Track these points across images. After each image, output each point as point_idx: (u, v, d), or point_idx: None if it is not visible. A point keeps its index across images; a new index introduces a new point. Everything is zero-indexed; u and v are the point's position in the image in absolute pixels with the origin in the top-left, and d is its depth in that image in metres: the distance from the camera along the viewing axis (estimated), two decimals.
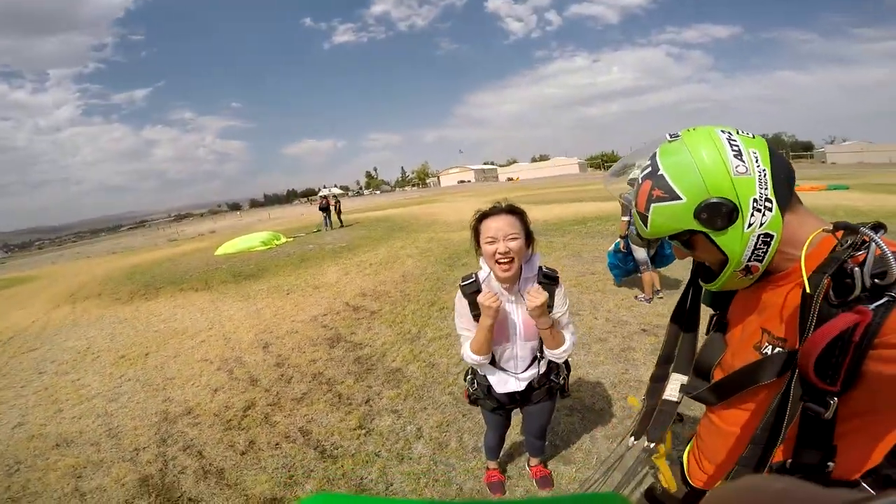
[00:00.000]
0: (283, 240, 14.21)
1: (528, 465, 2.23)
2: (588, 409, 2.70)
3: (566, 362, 1.77)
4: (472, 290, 1.55)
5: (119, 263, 15.03)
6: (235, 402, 3.38)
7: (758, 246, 0.72)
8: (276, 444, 2.74)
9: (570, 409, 2.70)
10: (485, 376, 1.74)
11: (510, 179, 72.22)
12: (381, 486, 2.27)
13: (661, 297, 4.41)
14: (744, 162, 0.70)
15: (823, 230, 0.70)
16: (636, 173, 0.83)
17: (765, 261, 0.73)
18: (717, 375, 0.88)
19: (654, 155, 0.78)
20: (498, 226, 1.43)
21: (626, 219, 4.35)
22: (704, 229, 0.72)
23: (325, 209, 16.98)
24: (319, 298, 6.23)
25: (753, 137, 0.73)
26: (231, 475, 2.49)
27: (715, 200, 0.70)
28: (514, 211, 1.49)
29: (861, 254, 0.62)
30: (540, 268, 1.57)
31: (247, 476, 2.47)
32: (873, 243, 0.60)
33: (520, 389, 1.69)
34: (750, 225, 0.70)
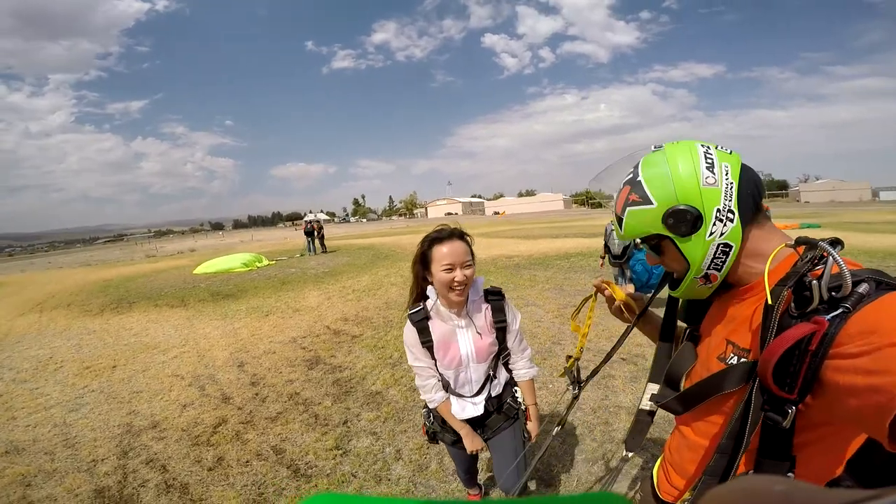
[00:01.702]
0: (265, 262, 14.01)
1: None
2: (568, 434, 2.68)
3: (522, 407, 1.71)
4: (420, 318, 1.53)
5: (92, 276, 14.53)
6: (206, 418, 3.24)
7: (717, 255, 0.76)
8: (247, 462, 2.62)
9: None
10: None
11: (496, 213, 73.39)
12: None
13: None
14: (714, 174, 0.74)
15: (787, 245, 0.73)
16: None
17: (723, 270, 0.77)
18: (686, 386, 0.90)
19: (637, 164, 0.84)
20: (454, 252, 1.42)
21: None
22: (670, 234, 0.77)
23: (310, 234, 16.90)
24: (300, 321, 6.11)
25: (730, 153, 0.79)
26: (196, 490, 2.37)
27: (682, 208, 0.74)
28: (463, 236, 1.49)
29: (820, 268, 0.65)
30: (485, 289, 1.59)
31: (213, 492, 2.35)
32: (831, 258, 0.63)
33: (478, 414, 1.62)
34: (711, 234, 0.74)
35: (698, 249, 0.76)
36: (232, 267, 12.87)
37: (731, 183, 0.75)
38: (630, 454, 1.07)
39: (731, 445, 0.73)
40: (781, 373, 0.62)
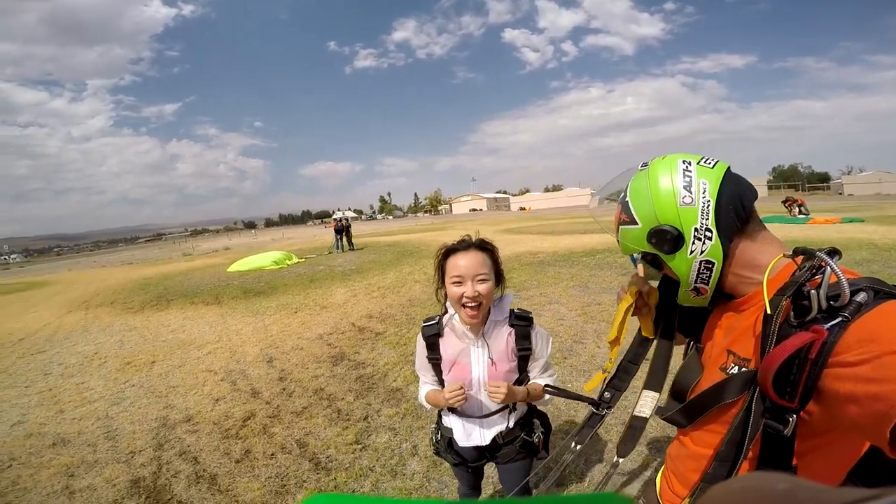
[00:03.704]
0: (295, 260, 14.39)
1: None
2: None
3: (545, 420, 1.60)
4: (431, 333, 1.44)
5: (134, 274, 15.32)
6: (235, 412, 3.40)
7: (701, 271, 0.78)
8: (272, 455, 2.74)
9: (565, 433, 2.67)
10: (450, 428, 1.54)
11: (522, 209, 72.58)
12: None
13: None
14: (691, 193, 0.76)
15: (784, 255, 0.75)
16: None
17: (710, 284, 0.79)
18: (691, 398, 0.89)
19: (627, 184, 0.86)
20: (467, 264, 1.30)
21: None
22: (656, 252, 0.80)
23: (339, 231, 17.24)
24: (326, 318, 6.28)
25: (713, 167, 0.79)
26: (224, 481, 2.50)
27: (662, 228, 0.77)
28: (484, 247, 1.36)
29: (818, 278, 0.66)
30: (512, 311, 1.44)
31: (239, 483, 2.47)
32: (829, 267, 0.64)
33: (485, 444, 1.48)
34: (692, 252, 0.77)
35: (683, 266, 0.79)
36: (263, 265, 13.28)
37: (709, 202, 0.76)
38: (621, 460, 1.08)
39: (731, 453, 0.73)
40: (782, 381, 0.63)
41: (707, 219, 0.75)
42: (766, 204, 21.28)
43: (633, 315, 1.05)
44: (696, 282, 0.79)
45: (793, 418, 0.64)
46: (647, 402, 1.04)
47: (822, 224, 13.04)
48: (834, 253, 0.68)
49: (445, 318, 1.46)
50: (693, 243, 0.76)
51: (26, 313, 8.92)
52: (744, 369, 0.75)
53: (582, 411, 2.99)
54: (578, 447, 1.13)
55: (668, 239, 0.77)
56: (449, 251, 1.37)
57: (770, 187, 59.74)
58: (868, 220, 13.49)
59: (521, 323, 1.42)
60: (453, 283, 1.31)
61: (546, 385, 1.42)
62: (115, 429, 3.26)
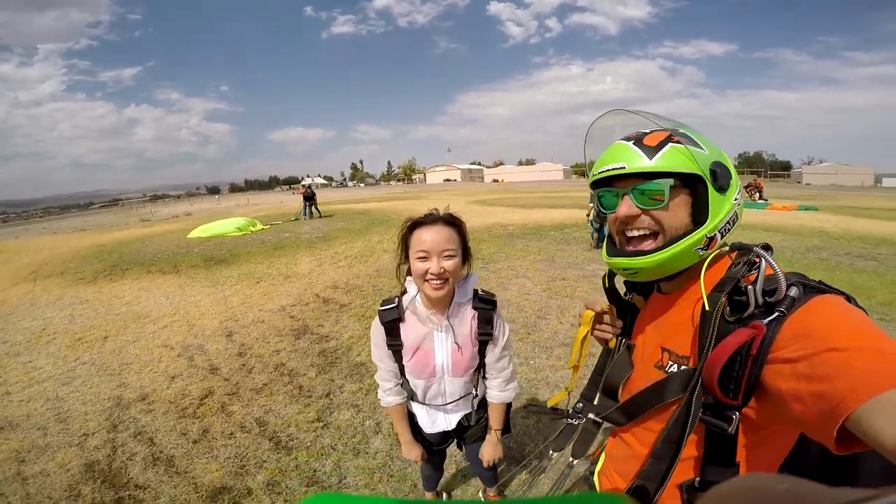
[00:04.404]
0: (260, 227, 13.96)
1: (483, 494, 2.03)
2: (546, 413, 2.75)
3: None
4: (390, 318, 1.35)
5: (87, 241, 14.49)
6: (193, 390, 3.32)
7: (730, 220, 0.76)
8: (231, 434, 2.70)
9: (527, 411, 2.75)
10: (413, 415, 1.55)
11: (495, 181, 72.55)
12: (334, 479, 2.28)
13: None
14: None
15: (719, 251, 0.75)
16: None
17: (724, 237, 0.76)
18: (624, 396, 0.89)
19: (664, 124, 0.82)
20: (433, 238, 1.23)
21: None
22: (709, 181, 0.74)
23: (309, 198, 16.84)
24: (290, 288, 6.15)
25: None
26: (181, 463, 2.46)
27: (726, 165, 0.76)
28: (452, 222, 1.29)
29: (753, 273, 0.66)
30: (475, 291, 1.40)
31: (197, 464, 2.43)
32: (763, 262, 0.65)
33: (450, 428, 1.51)
34: (735, 199, 0.77)
35: (724, 207, 0.75)
36: (226, 231, 12.83)
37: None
38: (575, 461, 1.08)
39: (667, 451, 0.74)
40: (725, 379, 0.64)
41: (740, 185, 0.79)
42: None
43: (596, 339, 1.02)
44: (722, 227, 0.75)
45: (736, 416, 0.65)
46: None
47: (780, 210, 13.68)
48: (768, 248, 0.70)
49: (406, 299, 1.37)
50: (735, 196, 0.77)
51: None
52: (683, 367, 0.74)
53: (542, 384, 3.08)
54: (554, 454, 1.11)
55: (727, 177, 0.75)
56: (415, 224, 1.28)
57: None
58: (822, 209, 14.25)
59: (485, 306, 1.37)
60: (418, 258, 1.23)
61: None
62: (67, 410, 3.13)
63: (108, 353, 4.15)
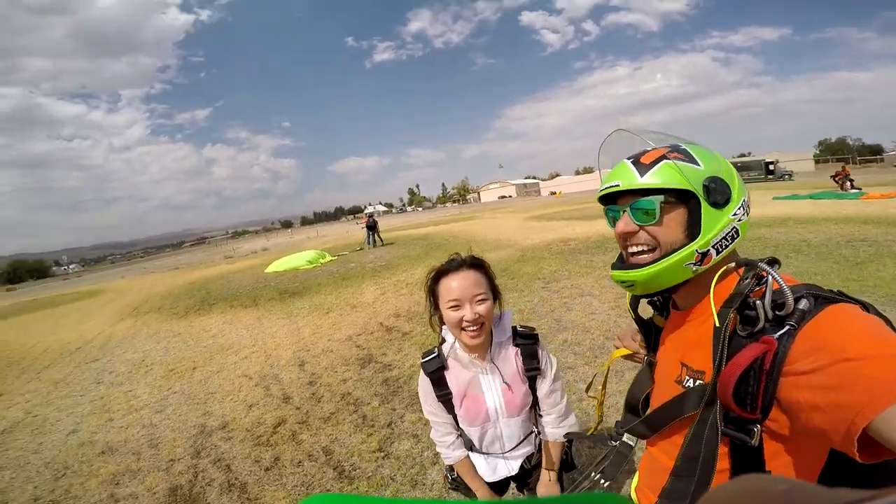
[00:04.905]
0: (328, 258, 14.75)
1: None
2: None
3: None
4: (434, 368, 1.32)
5: (179, 279, 16.17)
6: (267, 418, 3.51)
7: (727, 235, 0.75)
8: (299, 462, 2.82)
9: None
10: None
11: (553, 193, 71.17)
12: None
13: None
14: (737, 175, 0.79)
15: (727, 268, 0.75)
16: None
17: (721, 254, 0.76)
18: (647, 409, 0.93)
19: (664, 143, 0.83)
20: (461, 285, 1.20)
21: None
22: (702, 196, 0.75)
23: (371, 227, 17.61)
24: (356, 318, 6.39)
25: None
26: (253, 490, 2.59)
27: (724, 179, 0.75)
28: (477, 265, 1.27)
29: (761, 288, 0.67)
30: (514, 328, 1.36)
31: (267, 492, 2.56)
32: (770, 277, 0.65)
33: (513, 473, 1.42)
34: (735, 214, 0.76)
35: (718, 222, 0.75)
36: (298, 265, 13.69)
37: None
38: (605, 483, 1.04)
39: (688, 468, 0.73)
40: (740, 394, 0.64)
41: (746, 198, 0.77)
42: (814, 179, 19.76)
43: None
44: (716, 243, 0.75)
45: (757, 428, 0.65)
46: None
47: (878, 199, 11.95)
48: (774, 262, 0.71)
49: (445, 347, 1.34)
50: (736, 211, 0.76)
51: (82, 323, 9.60)
52: (699, 382, 0.75)
53: (613, 409, 2.89)
54: (606, 483, 1.06)
55: (723, 192, 0.75)
56: (439, 273, 1.27)
57: (817, 161, 56.83)
58: None
59: (527, 341, 1.33)
60: (450, 307, 1.21)
61: (567, 434, 1.39)
62: (158, 437, 3.45)
63: (196, 383, 4.54)
